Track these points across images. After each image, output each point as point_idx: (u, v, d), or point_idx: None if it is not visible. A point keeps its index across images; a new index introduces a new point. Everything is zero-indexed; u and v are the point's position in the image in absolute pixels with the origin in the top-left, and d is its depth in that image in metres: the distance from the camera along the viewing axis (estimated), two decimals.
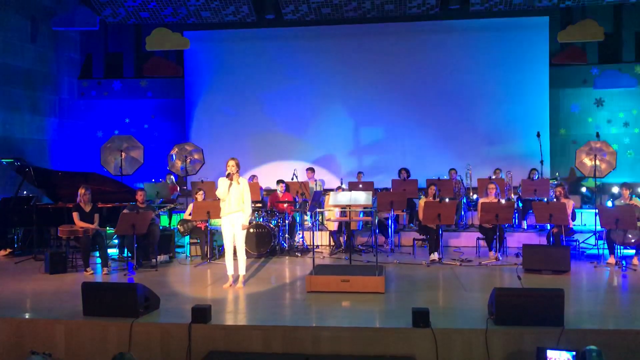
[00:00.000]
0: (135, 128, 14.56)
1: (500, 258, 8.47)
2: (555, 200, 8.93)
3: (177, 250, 9.45)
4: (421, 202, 8.97)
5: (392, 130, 13.58)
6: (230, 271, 7.01)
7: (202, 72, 14.21)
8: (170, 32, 13.11)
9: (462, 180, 11.28)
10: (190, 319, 5.29)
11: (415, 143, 13.43)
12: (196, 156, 11.93)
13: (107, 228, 9.20)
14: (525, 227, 10.49)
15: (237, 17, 13.58)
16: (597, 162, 10.40)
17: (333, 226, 9.58)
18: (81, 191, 8.19)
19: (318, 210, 9.68)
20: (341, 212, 9.08)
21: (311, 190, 10.57)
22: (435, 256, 8.47)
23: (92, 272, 7.92)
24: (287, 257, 9.12)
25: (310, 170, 11.87)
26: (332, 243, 9.80)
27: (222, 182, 6.87)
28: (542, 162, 11.47)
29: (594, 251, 9.14)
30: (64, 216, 8.96)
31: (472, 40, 13.43)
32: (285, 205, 9.79)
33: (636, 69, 13.13)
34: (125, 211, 8.18)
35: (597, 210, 8.73)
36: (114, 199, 9.59)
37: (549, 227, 8.79)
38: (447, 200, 9.37)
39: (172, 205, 10.64)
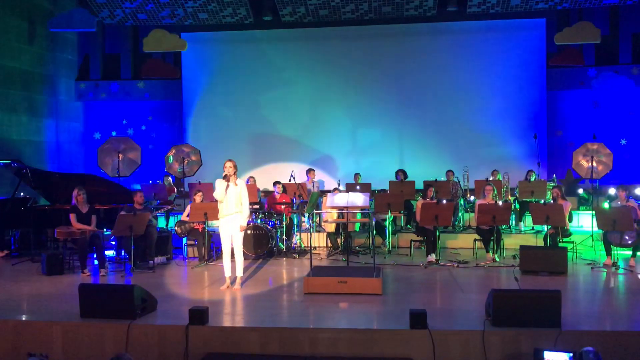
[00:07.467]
0: (132, 129, 14.55)
1: (497, 259, 8.48)
2: (552, 201, 8.95)
3: (175, 251, 9.44)
4: (418, 203, 8.98)
5: (389, 131, 13.60)
6: (227, 273, 7.02)
7: (199, 74, 14.21)
8: (168, 34, 13.08)
9: (459, 181, 11.29)
10: (187, 320, 5.29)
11: (412, 145, 13.45)
12: (193, 158, 11.92)
13: (105, 230, 9.18)
14: (522, 229, 10.51)
15: (235, 19, 13.59)
16: (594, 164, 10.43)
17: (330, 227, 9.58)
18: (75, 192, 8.17)
19: (316, 211, 9.68)
20: (339, 213, 9.09)
21: (309, 192, 10.57)
22: (432, 258, 8.48)
23: (89, 273, 7.90)
24: (284, 259, 9.11)
25: (311, 171, 11.81)
26: (330, 244, 9.79)
27: (220, 183, 6.87)
28: (539, 163, 11.50)
29: (591, 253, 9.16)
30: (61, 218, 8.92)
31: (469, 42, 13.47)
32: (283, 206, 9.79)
33: (633, 70, 13.17)
34: (122, 213, 8.17)
35: (593, 212, 8.75)
36: (111, 200, 9.57)
37: (545, 229, 8.80)
38: (444, 201, 9.37)
39: (170, 207, 10.63)
